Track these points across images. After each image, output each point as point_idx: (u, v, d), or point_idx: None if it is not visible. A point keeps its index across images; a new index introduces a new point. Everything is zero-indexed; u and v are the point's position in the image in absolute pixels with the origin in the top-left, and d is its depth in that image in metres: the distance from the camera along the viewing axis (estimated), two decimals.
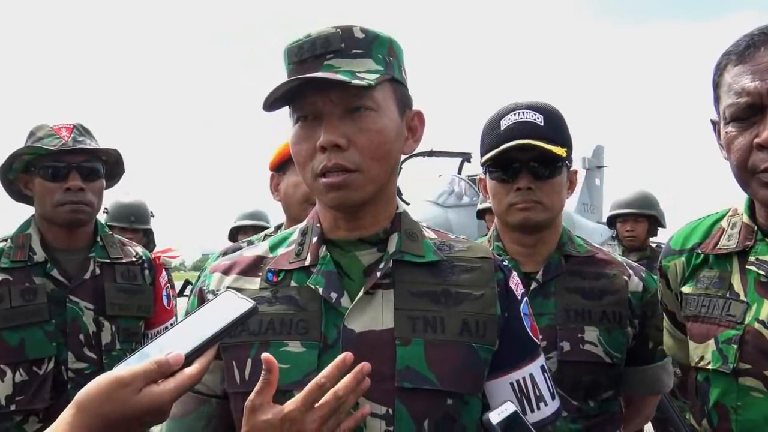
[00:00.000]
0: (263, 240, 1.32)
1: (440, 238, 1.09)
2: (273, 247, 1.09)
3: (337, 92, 0.95)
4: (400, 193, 9.72)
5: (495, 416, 0.86)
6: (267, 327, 0.99)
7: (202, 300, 1.06)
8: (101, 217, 3.81)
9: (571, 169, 1.59)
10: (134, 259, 1.97)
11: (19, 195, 1.90)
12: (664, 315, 1.40)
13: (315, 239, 1.05)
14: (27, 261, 1.79)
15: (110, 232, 2.00)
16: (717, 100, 1.15)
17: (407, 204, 8.96)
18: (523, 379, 1.03)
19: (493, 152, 1.50)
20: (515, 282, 1.08)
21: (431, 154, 9.84)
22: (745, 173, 1.10)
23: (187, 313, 1.08)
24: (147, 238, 3.91)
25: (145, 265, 1.99)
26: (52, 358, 1.74)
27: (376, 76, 0.96)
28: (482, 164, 1.57)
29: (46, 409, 1.72)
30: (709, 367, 1.15)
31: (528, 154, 1.48)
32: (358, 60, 0.97)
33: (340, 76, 0.93)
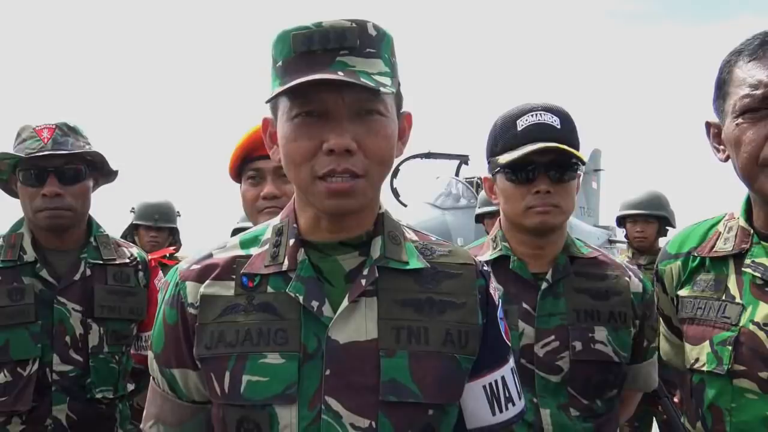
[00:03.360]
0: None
1: (421, 240, 1.06)
2: (244, 245, 1.03)
3: (353, 93, 0.90)
4: (397, 195, 9.73)
5: None
6: (244, 338, 0.94)
7: (183, 312, 0.98)
8: (116, 217, 3.79)
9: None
10: (128, 261, 1.94)
11: (15, 193, 1.88)
12: (660, 319, 1.40)
13: (292, 241, 0.99)
14: (17, 261, 1.77)
15: (105, 233, 1.97)
16: (723, 97, 1.15)
17: (404, 206, 8.94)
18: (495, 381, 1.04)
19: (517, 155, 1.46)
20: (494, 287, 1.07)
21: (429, 155, 9.84)
22: (754, 166, 1.09)
23: None
24: (173, 237, 3.90)
25: (140, 266, 1.95)
26: (37, 359, 1.72)
27: (389, 79, 0.91)
28: (496, 165, 1.54)
29: (29, 411, 1.70)
30: (704, 368, 1.16)
31: (546, 157, 1.46)
32: (371, 60, 0.91)
33: (366, 82, 0.88)
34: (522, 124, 1.50)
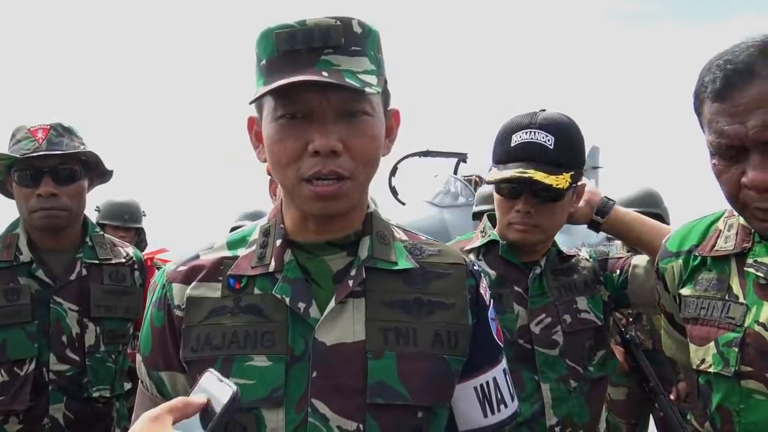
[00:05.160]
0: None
1: (411, 240, 1.05)
2: (231, 246, 1.01)
3: (338, 93, 0.88)
4: (395, 193, 9.70)
5: None
6: (230, 340, 0.93)
7: (170, 314, 0.97)
8: (92, 215, 3.78)
9: (580, 183, 1.60)
10: (123, 260, 1.94)
11: (10, 194, 1.88)
12: (663, 317, 1.39)
13: (279, 242, 0.98)
14: (13, 261, 1.77)
15: (101, 232, 1.97)
16: (701, 124, 1.13)
17: (403, 204, 8.92)
18: (487, 383, 1.03)
19: (496, 177, 1.50)
20: (484, 287, 1.06)
21: (427, 154, 9.80)
22: (736, 204, 1.10)
23: None
24: (138, 237, 3.86)
25: (135, 266, 1.96)
26: (34, 359, 1.72)
27: (375, 77, 0.90)
28: (490, 174, 1.56)
29: (26, 411, 1.70)
30: (711, 370, 1.14)
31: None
32: (356, 58, 0.89)
33: (351, 82, 0.86)
34: (516, 140, 1.51)
